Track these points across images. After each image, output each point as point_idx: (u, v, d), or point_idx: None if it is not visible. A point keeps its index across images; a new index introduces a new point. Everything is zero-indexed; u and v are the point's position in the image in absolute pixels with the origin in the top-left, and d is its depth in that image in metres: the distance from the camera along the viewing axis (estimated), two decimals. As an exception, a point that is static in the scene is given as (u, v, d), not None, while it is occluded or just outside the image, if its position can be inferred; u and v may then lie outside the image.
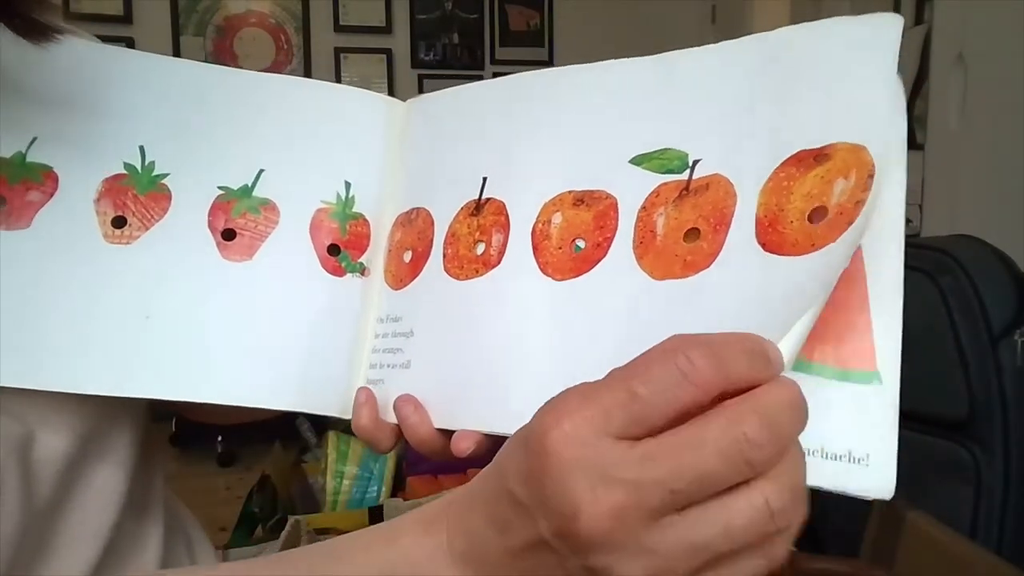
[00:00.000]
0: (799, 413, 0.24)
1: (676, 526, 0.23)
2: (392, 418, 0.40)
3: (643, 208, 0.36)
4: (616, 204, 0.37)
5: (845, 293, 0.33)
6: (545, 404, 0.26)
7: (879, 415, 0.32)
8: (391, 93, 2.98)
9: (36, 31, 0.38)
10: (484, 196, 0.41)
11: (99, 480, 0.42)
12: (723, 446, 0.23)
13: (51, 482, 0.39)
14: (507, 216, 0.40)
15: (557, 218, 0.38)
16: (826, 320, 0.33)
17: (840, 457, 0.31)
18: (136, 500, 0.45)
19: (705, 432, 0.23)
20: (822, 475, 0.30)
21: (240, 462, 2.14)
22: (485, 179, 0.41)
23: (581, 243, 0.37)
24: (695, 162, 0.35)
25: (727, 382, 0.23)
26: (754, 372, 0.24)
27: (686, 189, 0.35)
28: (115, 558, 0.43)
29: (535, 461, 0.24)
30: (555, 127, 0.40)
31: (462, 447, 0.37)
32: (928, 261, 0.85)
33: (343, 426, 1.47)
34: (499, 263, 0.39)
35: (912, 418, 0.83)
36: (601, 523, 0.23)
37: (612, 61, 0.40)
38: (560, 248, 0.38)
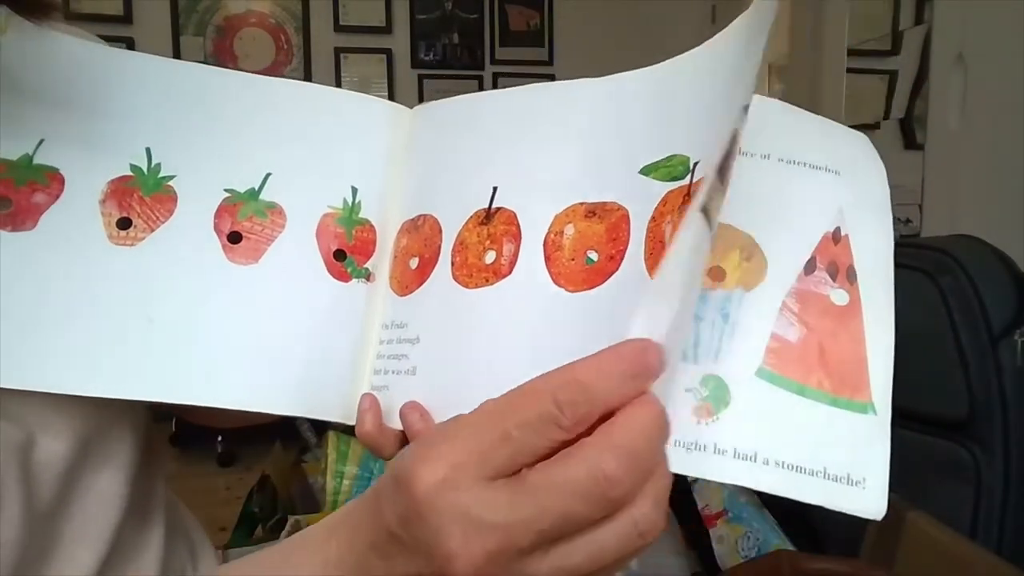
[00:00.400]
0: (659, 434, 0.25)
1: (549, 557, 0.25)
2: (396, 424, 0.40)
3: (652, 219, 0.36)
4: (628, 216, 0.37)
5: (843, 327, 0.37)
6: (415, 445, 0.27)
7: (875, 443, 0.35)
8: (391, 93, 2.96)
9: (37, 10, 0.38)
10: (494, 205, 0.41)
11: (100, 483, 0.42)
12: (583, 488, 0.24)
13: (52, 486, 0.39)
14: (518, 226, 0.40)
15: (569, 230, 0.39)
16: (824, 350, 0.36)
17: (840, 479, 0.34)
18: (137, 503, 0.45)
19: (566, 474, 0.24)
20: (823, 495, 0.34)
21: (240, 462, 2.14)
22: (495, 188, 0.42)
23: (593, 255, 0.38)
24: (695, 165, 0.36)
25: (598, 415, 0.25)
26: (624, 395, 0.25)
27: (688, 193, 0.35)
28: (117, 560, 0.43)
29: (409, 506, 0.26)
30: (565, 139, 0.41)
31: None
32: (928, 261, 0.85)
33: (343, 426, 1.47)
34: (510, 273, 0.39)
35: (912, 418, 0.83)
36: (475, 565, 0.25)
37: (618, 74, 0.41)
38: (572, 260, 0.38)
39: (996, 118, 1.33)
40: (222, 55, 2.65)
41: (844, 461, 0.34)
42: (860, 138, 0.43)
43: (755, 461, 0.34)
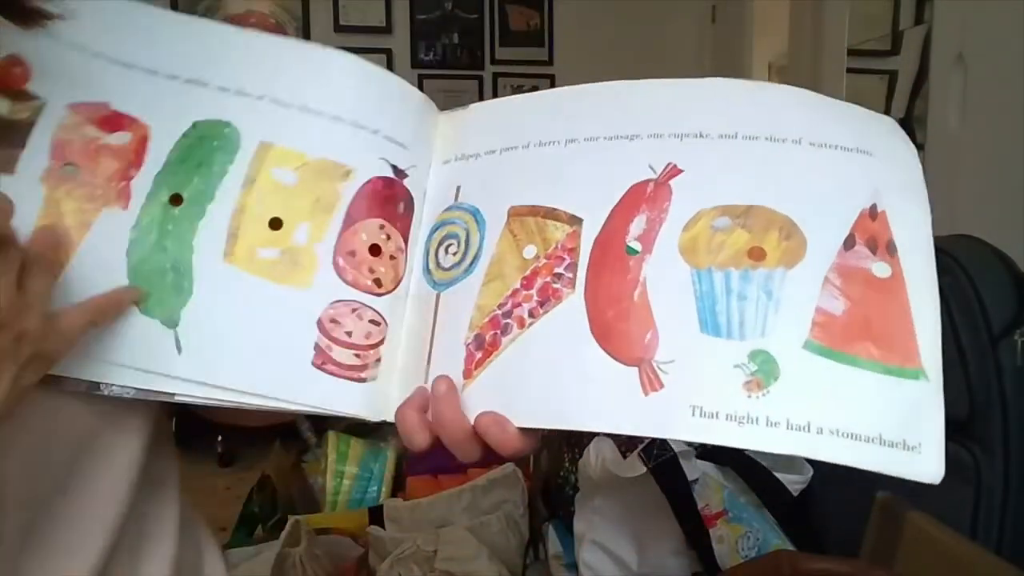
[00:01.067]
0: None
1: None
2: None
3: None
4: None
5: (888, 298, 0.38)
6: None
7: (928, 408, 0.37)
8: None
9: (26, 16, 0.38)
10: None
11: (99, 484, 0.42)
12: None
13: (67, 448, 0.40)
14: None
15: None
16: (870, 321, 0.37)
17: (896, 445, 0.35)
18: (148, 501, 0.46)
19: None
20: (879, 461, 0.35)
21: (240, 462, 2.14)
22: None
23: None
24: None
25: None
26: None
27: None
28: (130, 551, 0.44)
29: None
30: None
31: None
32: (928, 261, 0.84)
33: (343, 426, 1.47)
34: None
35: (912, 418, 0.83)
36: None
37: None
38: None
39: (996, 118, 1.33)
40: (222, 55, 2.65)
41: (898, 427, 0.36)
42: (888, 121, 0.44)
43: (809, 431, 0.35)
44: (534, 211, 0.43)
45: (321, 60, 0.46)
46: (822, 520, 0.88)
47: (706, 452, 0.92)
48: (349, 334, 0.42)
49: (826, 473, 0.90)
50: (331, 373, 0.41)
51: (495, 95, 2.47)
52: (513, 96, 0.48)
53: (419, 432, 0.40)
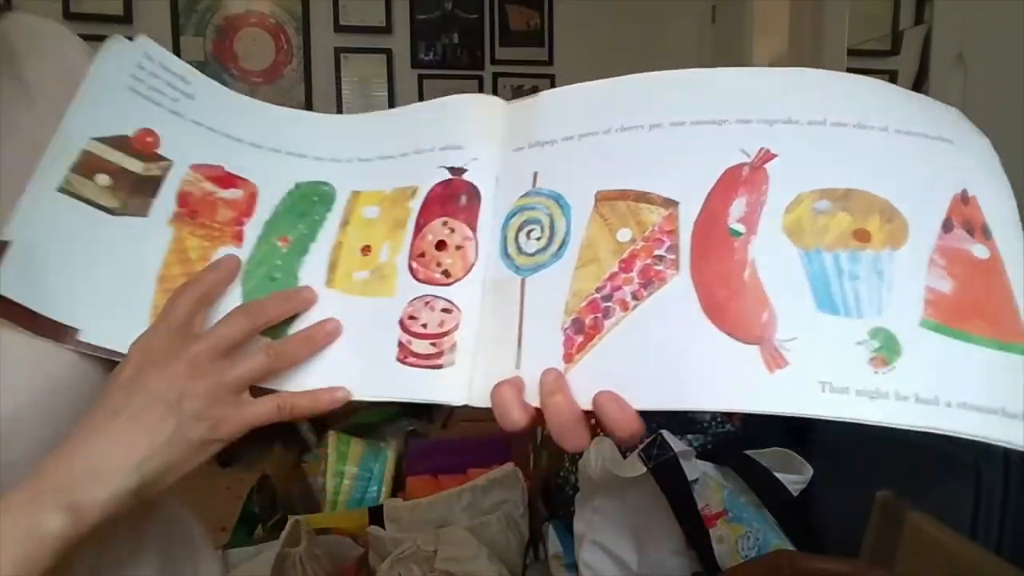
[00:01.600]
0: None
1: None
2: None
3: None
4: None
5: (989, 278, 0.39)
6: None
7: None
8: (391, 93, 2.94)
9: None
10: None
11: None
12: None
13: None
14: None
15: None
16: (978, 299, 0.39)
17: (1017, 416, 0.36)
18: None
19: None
20: (1004, 432, 0.36)
21: (240, 462, 2.13)
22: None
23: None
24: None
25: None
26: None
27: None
28: (109, 566, 0.43)
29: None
30: None
31: None
32: (928, 261, 0.84)
33: (343, 426, 1.47)
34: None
35: (912, 418, 0.83)
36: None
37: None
38: None
39: (996, 118, 1.33)
40: (222, 55, 2.65)
41: (1016, 399, 0.36)
42: (955, 111, 0.45)
43: (938, 404, 0.36)
44: (624, 195, 0.43)
45: (389, 121, 0.54)
46: (822, 520, 0.88)
47: (706, 452, 0.92)
48: (425, 326, 0.45)
49: (826, 473, 0.90)
50: (412, 365, 0.45)
51: (495, 95, 2.47)
52: (584, 83, 0.49)
53: (517, 409, 0.40)
